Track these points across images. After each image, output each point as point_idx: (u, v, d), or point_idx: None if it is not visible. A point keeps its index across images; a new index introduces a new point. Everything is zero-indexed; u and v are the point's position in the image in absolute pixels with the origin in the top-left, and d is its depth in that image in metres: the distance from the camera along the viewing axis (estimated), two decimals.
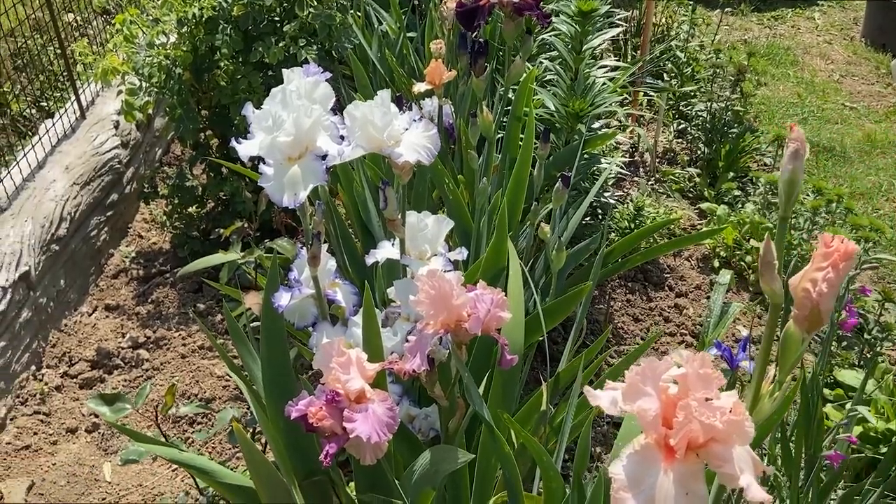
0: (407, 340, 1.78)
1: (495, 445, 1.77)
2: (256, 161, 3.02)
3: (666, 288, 3.48)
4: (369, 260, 2.01)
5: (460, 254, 2.01)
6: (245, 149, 1.56)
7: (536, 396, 2.05)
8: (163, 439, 2.18)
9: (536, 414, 2.05)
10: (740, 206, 3.71)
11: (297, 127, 1.52)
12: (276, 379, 1.82)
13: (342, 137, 1.69)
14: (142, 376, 2.96)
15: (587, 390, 1.16)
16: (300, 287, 1.81)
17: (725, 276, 2.55)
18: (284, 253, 2.24)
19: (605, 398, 1.13)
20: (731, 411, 0.97)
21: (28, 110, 4.09)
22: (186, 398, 2.85)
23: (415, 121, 1.79)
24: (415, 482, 1.71)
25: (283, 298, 1.78)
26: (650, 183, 4.02)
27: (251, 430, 2.41)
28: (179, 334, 3.15)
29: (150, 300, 3.33)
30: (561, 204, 2.10)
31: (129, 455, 2.06)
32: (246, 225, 2.33)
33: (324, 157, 1.59)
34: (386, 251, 2.02)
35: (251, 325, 2.32)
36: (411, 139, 1.75)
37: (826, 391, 2.71)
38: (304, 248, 2.00)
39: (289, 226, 3.31)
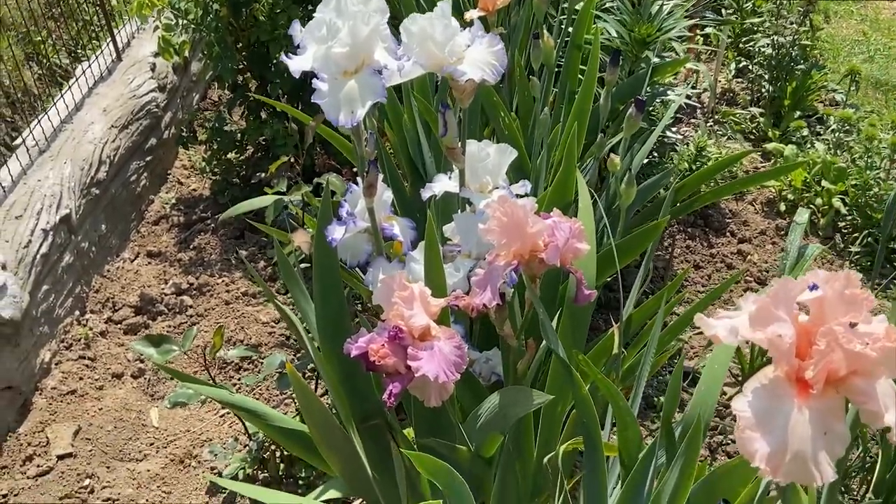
0: (470, 277, 1.66)
1: (567, 387, 1.64)
2: (299, 96, 2.87)
3: (728, 234, 3.30)
4: (425, 194, 1.88)
5: (524, 187, 1.86)
6: (297, 63, 1.42)
7: (605, 340, 1.91)
8: (211, 383, 2.10)
9: (606, 358, 1.92)
10: (808, 146, 3.49)
11: (353, 36, 1.37)
12: (331, 317, 1.70)
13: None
14: (186, 322, 2.88)
15: (699, 318, 1.02)
16: (354, 220, 1.68)
17: (804, 214, 2.37)
18: (334, 189, 2.12)
19: (722, 327, 0.99)
20: (885, 337, 0.83)
21: (64, 60, 3.99)
22: (232, 345, 2.77)
23: (478, 37, 1.63)
24: (480, 426, 1.59)
25: (337, 232, 1.66)
26: (709, 125, 3.80)
27: (301, 375, 2.31)
28: (223, 280, 3.06)
29: (191, 247, 3.25)
30: (633, 132, 1.94)
31: (178, 398, 1.98)
32: (292, 159, 2.20)
33: (380, 73, 1.45)
34: (443, 184, 1.89)
35: (300, 266, 2.22)
36: (474, 55, 1.60)
37: None
38: (354, 182, 1.87)
39: (332, 167, 3.18)
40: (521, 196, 1.90)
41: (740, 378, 2.51)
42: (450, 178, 1.91)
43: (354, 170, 2.67)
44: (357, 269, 1.89)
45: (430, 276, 1.54)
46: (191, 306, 2.96)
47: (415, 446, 1.73)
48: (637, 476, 1.44)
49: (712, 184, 3.06)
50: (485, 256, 1.76)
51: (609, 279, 2.76)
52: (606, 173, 2.34)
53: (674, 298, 2.21)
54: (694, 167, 3.17)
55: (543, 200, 1.91)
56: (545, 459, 1.59)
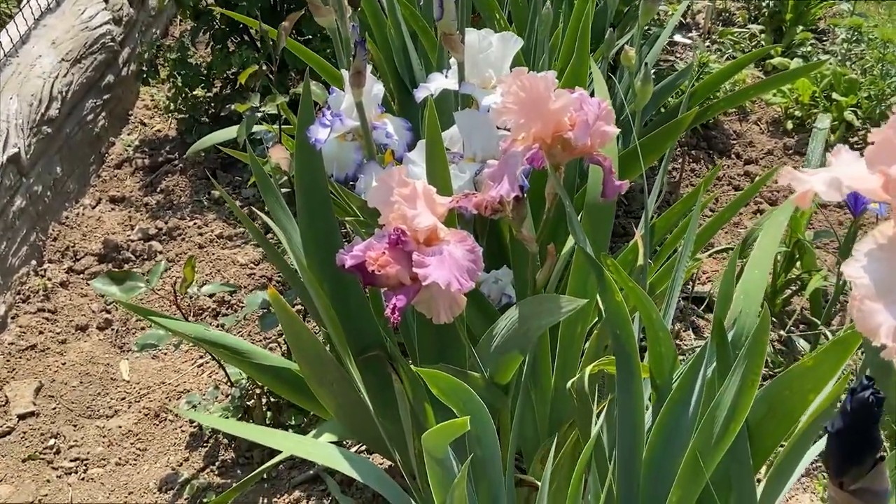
0: (477, 180, 1.44)
1: (588, 301, 1.44)
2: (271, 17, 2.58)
3: (733, 156, 3.10)
4: (419, 93, 1.65)
5: None
6: None
7: (628, 251, 1.71)
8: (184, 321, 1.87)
9: (631, 269, 1.72)
10: (815, 59, 3.29)
11: None
12: (320, 235, 1.48)
13: None
14: None
15: (786, 172, 0.82)
16: (341, 117, 1.45)
17: (824, 120, 2.19)
18: (313, 97, 1.87)
19: (819, 180, 0.78)
20: None
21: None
22: None
23: None
24: (496, 348, 1.38)
25: (321, 132, 1.43)
26: (706, 45, 3.58)
27: None
28: (194, 223, 2.81)
29: (158, 190, 2.99)
30: (650, 19, 1.71)
31: (147, 340, 1.76)
32: (265, 67, 1.95)
33: None
34: (439, 82, 1.66)
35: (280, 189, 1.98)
36: None
37: None
38: (330, 89, 1.63)
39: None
40: None
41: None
42: (446, 75, 1.68)
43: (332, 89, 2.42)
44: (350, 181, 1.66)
45: (433, 174, 1.32)
46: (160, 252, 2.71)
47: (420, 378, 1.53)
48: (681, 392, 1.24)
49: (716, 97, 2.86)
50: (494, 158, 1.54)
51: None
52: (614, 78, 2.12)
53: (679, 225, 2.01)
54: (696, 84, 2.95)
55: None
56: (569, 384, 1.39)
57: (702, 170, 3.03)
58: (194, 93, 3.17)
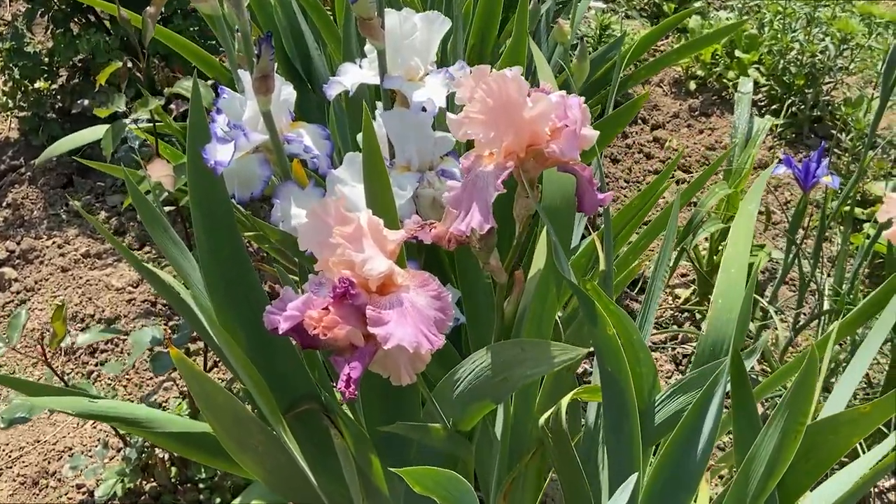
0: (417, 197, 1.20)
1: (545, 326, 1.24)
2: None
3: (640, 121, 2.99)
4: (330, 89, 1.37)
5: (463, 69, 1.39)
6: None
7: (581, 255, 1.53)
8: (58, 381, 1.54)
9: (593, 275, 1.53)
10: (712, 15, 3.20)
11: None
12: (228, 272, 1.20)
13: None
14: (12, 301, 2.24)
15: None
16: (246, 132, 1.16)
17: (747, 83, 2.07)
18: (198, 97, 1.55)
19: None
20: None
21: None
22: (80, 322, 2.17)
23: None
24: (462, 394, 1.16)
25: (222, 152, 1.13)
26: (599, 3, 3.44)
27: (184, 351, 1.78)
28: (53, 242, 2.41)
29: (4, 204, 2.55)
30: None
31: (14, 412, 1.43)
32: (130, 66, 1.60)
33: None
34: (354, 75, 1.38)
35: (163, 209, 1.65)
36: None
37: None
38: (223, 88, 1.32)
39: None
40: None
41: (695, 279, 2.23)
42: (360, 66, 1.40)
43: (210, 82, 2.08)
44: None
45: (376, 199, 1.06)
46: (16, 279, 2.30)
47: (367, 435, 1.29)
48: (686, 431, 1.07)
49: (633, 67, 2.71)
50: (430, 166, 1.30)
51: None
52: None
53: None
54: (599, 46, 2.80)
55: None
56: (541, 421, 1.19)
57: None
58: (36, 86, 2.72)
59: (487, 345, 1.11)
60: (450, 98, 1.42)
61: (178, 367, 1.18)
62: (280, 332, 0.95)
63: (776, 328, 2.03)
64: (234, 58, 1.32)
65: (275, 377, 1.30)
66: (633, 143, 2.89)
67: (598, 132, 1.01)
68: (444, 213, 0.98)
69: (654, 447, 1.34)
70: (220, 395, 1.24)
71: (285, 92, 1.18)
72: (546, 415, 1.18)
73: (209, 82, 2.14)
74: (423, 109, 1.27)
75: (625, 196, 2.67)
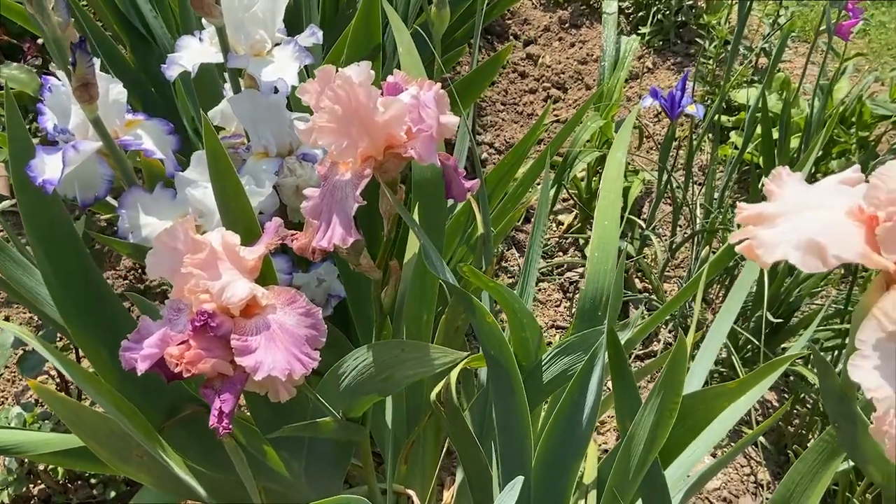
0: (280, 188, 1.14)
1: (428, 298, 1.23)
2: None
3: (511, 37, 2.93)
4: (170, 71, 1.25)
5: (313, 35, 1.30)
6: None
7: (459, 213, 1.50)
8: None
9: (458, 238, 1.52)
10: None
11: None
12: (81, 299, 1.10)
13: None
14: None
15: (746, 231, 0.62)
16: (75, 142, 1.05)
17: (612, 4, 2.04)
18: (16, 85, 1.39)
19: (790, 245, 0.61)
20: None
21: None
22: None
23: None
24: (348, 388, 1.14)
25: (51, 167, 1.02)
26: None
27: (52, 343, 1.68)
28: None
29: None
30: None
31: None
32: None
33: None
34: (194, 51, 1.26)
35: None
36: None
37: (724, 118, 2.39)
38: (48, 73, 1.18)
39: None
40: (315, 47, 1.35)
41: (574, 205, 2.25)
42: (201, 40, 1.28)
43: (40, 41, 1.87)
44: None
45: (226, 203, 0.98)
46: None
47: (259, 433, 1.26)
48: (569, 407, 1.09)
49: None
50: (290, 150, 1.23)
51: None
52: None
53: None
54: None
55: (343, 46, 1.37)
56: (433, 395, 1.19)
57: (483, 59, 2.83)
58: None
59: (371, 327, 1.08)
60: (308, 69, 1.34)
61: (39, 395, 1.10)
62: (139, 373, 0.89)
63: (654, 246, 2.10)
64: (60, 58, 1.17)
65: (150, 386, 1.24)
66: (508, 62, 2.83)
67: (457, 118, 0.96)
68: (305, 223, 0.92)
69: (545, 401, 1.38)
70: (92, 417, 1.18)
71: (115, 91, 1.06)
72: (437, 389, 1.18)
73: (40, 40, 1.93)
74: (276, 90, 1.18)
75: (502, 120, 2.63)
